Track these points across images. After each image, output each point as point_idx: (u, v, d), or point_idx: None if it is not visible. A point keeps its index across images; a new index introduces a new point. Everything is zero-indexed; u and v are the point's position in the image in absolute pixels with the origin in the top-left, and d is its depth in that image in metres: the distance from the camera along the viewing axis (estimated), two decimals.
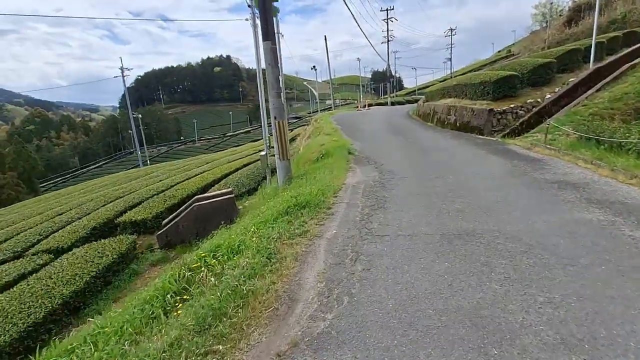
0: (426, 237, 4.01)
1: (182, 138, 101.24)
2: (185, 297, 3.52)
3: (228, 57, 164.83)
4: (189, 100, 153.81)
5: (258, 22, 10.11)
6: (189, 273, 3.80)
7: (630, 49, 15.48)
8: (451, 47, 60.83)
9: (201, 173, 17.02)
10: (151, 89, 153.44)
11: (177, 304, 3.43)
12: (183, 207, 10.68)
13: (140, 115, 45.94)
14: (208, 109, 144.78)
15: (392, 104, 46.44)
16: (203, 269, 3.84)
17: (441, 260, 3.42)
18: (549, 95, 13.67)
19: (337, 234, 4.48)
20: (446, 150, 10.14)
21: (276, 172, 9.80)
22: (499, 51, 76.75)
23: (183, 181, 15.49)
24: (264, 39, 8.49)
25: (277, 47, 15.21)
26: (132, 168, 47.74)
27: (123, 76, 38.89)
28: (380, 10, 49.79)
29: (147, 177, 21.54)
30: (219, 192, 10.93)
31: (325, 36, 41.08)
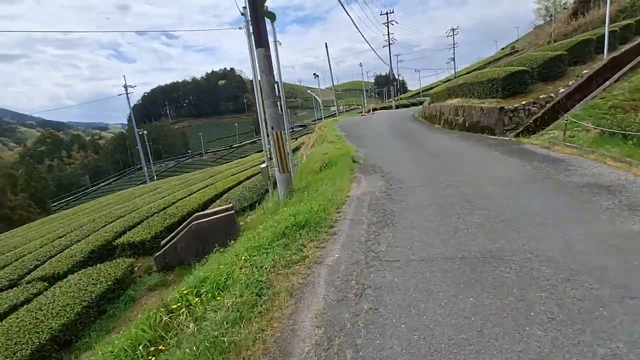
0: (444, 262, 3.39)
1: (189, 151, 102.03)
2: (160, 347, 2.97)
3: (232, 69, 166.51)
4: (195, 114, 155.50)
5: None
6: (168, 316, 3.25)
7: None
8: (454, 47, 60.29)
9: (204, 188, 16.61)
10: (158, 105, 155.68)
11: (150, 358, 2.88)
12: (182, 226, 10.21)
13: (145, 132, 46.14)
14: (214, 121, 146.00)
15: (397, 107, 45.85)
16: (183, 310, 3.29)
17: (465, 294, 2.80)
18: (562, 90, 12.92)
19: (339, 259, 3.89)
20: (456, 153, 9.50)
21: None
22: (502, 48, 75.84)
23: (185, 197, 15.08)
24: (257, 46, 8.03)
25: (275, 55, 14.85)
26: (140, 184, 47.91)
27: (127, 94, 39.12)
28: (380, 14, 49.54)
29: (151, 194, 21.23)
30: (219, 208, 10.44)
31: (326, 43, 40.87)
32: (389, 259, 3.61)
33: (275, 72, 15.15)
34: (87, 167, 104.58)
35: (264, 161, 11.95)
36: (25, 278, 9.79)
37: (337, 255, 4.00)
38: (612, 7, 22.10)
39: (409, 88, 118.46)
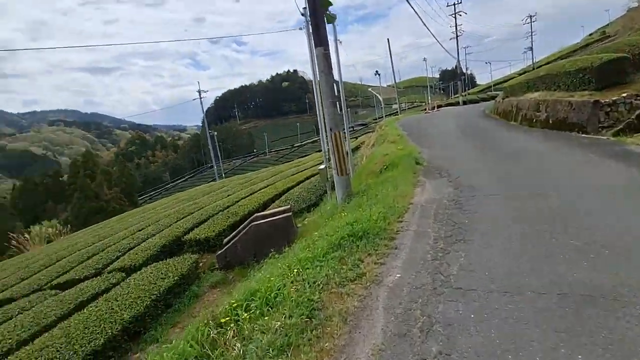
0: (536, 298, 2.72)
1: (254, 151, 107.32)
2: None
3: (295, 71, 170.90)
4: (261, 115, 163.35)
5: None
6: (216, 331, 3.10)
7: None
8: (531, 35, 54.52)
9: (264, 187, 17.01)
10: (228, 108, 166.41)
11: None
12: (242, 226, 10.44)
13: (215, 133, 49.46)
14: (278, 121, 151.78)
15: (465, 102, 42.76)
16: (232, 325, 3.11)
17: (569, 348, 2.16)
18: None
19: (401, 280, 3.42)
20: (541, 155, 8.25)
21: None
22: (590, 34, 66.38)
23: (247, 196, 15.56)
24: (316, 45, 7.79)
25: (336, 54, 14.57)
26: (210, 181, 51.49)
27: (200, 99, 42.28)
28: (447, 5, 46.62)
29: (218, 192, 22.47)
30: (277, 209, 10.48)
31: (388, 39, 39.67)
32: (463, 287, 3.04)
33: (336, 71, 14.88)
34: (168, 165, 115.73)
35: (323, 162, 11.74)
36: (108, 268, 10.83)
37: (398, 275, 3.53)
38: None
39: (477, 82, 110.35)
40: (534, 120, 14.02)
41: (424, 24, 68.04)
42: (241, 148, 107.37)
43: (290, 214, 9.60)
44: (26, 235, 30.01)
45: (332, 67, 8.08)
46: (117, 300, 7.75)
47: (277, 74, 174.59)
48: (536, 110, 14.06)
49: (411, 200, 6.25)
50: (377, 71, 48.09)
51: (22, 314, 9.16)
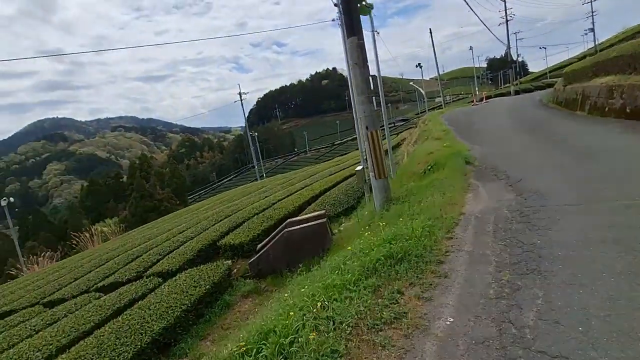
0: None
1: (295, 150, 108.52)
2: None
3: (334, 69, 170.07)
4: (301, 114, 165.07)
5: None
6: None
7: None
8: (592, 15, 48.80)
9: (301, 189, 16.54)
10: (269, 108, 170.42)
11: None
12: (275, 231, 9.97)
13: (256, 134, 50.31)
14: (318, 120, 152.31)
15: (517, 92, 39.30)
16: None
17: None
18: None
19: (455, 328, 2.59)
20: (624, 152, 6.78)
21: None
22: None
23: (284, 198, 15.18)
24: (349, 35, 7.02)
25: (373, 45, 13.63)
26: (253, 181, 52.59)
27: (242, 101, 43.07)
28: None
29: (256, 193, 22.48)
30: (312, 215, 9.87)
31: (430, 29, 37.45)
32: (547, 352, 2.15)
33: (373, 64, 13.91)
34: (214, 165, 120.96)
35: (360, 163, 10.92)
36: (148, 272, 10.93)
37: (450, 320, 2.70)
38: None
39: (530, 70, 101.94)
40: (607, 109, 12.06)
41: (471, 9, 63.79)
42: (282, 147, 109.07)
43: (325, 220, 8.94)
44: (86, 234, 32.48)
45: (367, 59, 7.25)
46: (150, 309, 7.59)
47: (316, 72, 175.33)
48: (609, 97, 12.08)
49: (462, 209, 5.29)
50: (419, 64, 45.31)
51: (67, 317, 9.47)
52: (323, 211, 9.97)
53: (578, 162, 6.65)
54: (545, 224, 4.04)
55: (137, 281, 10.20)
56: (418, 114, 70.33)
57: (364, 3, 9.24)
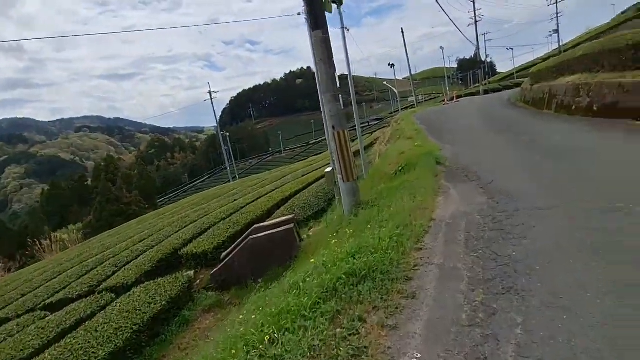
0: None
1: (270, 150, 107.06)
2: None
3: (308, 68, 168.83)
4: (276, 113, 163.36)
5: None
6: None
7: None
8: (557, 16, 51.04)
9: (272, 191, 15.94)
10: (243, 107, 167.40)
11: None
12: (241, 238, 9.36)
13: (228, 134, 48.94)
14: (293, 119, 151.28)
15: (486, 92, 40.43)
16: None
17: None
18: None
19: None
20: (594, 151, 6.71)
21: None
22: (623, 12, 61.51)
23: (253, 201, 14.53)
24: (313, 28, 6.54)
25: (343, 42, 13.22)
26: (226, 182, 51.16)
27: (212, 99, 41.69)
28: None
29: (227, 195, 21.62)
30: (279, 220, 9.33)
31: (402, 29, 37.75)
32: None
33: (344, 62, 13.50)
34: (186, 166, 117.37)
35: (330, 164, 10.48)
36: (101, 286, 10.02)
37: (417, 356, 2.27)
38: None
39: (498, 70, 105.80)
40: (573, 107, 12.25)
41: (442, 9, 65.11)
42: (257, 147, 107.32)
43: (292, 225, 8.43)
44: (45, 242, 30.28)
45: (333, 55, 6.79)
46: (97, 332, 6.81)
47: (290, 71, 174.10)
48: (575, 96, 12.28)
49: (433, 214, 4.94)
50: (391, 63, 45.22)
51: (5, 341, 8.45)
52: (291, 216, 9.45)
53: (548, 163, 6.50)
54: (520, 232, 3.72)
55: (88, 297, 9.30)
56: (391, 113, 71.12)
57: None
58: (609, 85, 10.32)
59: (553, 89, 14.66)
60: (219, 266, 8.67)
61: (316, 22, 6.48)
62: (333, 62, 6.78)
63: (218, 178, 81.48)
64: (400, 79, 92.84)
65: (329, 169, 9.85)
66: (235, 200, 17.08)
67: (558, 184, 5.15)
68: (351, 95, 14.21)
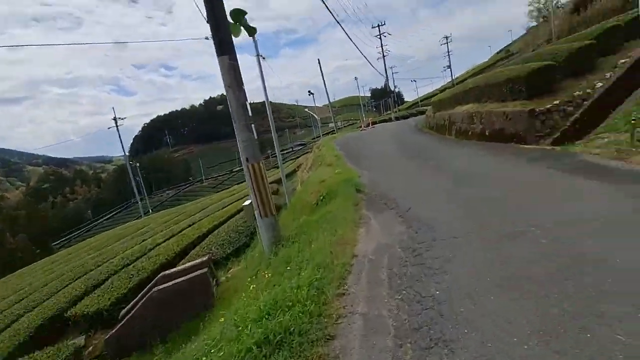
0: None
1: (190, 179, 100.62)
2: None
3: (245, 92, 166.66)
4: (196, 140, 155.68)
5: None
6: None
7: None
8: (449, 55, 59.35)
9: (188, 227, 14.47)
10: (158, 134, 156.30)
11: None
12: (145, 289, 8.00)
13: (137, 164, 44.52)
14: (214, 146, 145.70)
15: (397, 118, 44.20)
16: None
17: None
18: (600, 84, 10.81)
19: None
20: (495, 175, 7.29)
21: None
22: (497, 52, 74.40)
23: (165, 241, 12.92)
24: (219, 54, 6.04)
25: (259, 70, 12.99)
26: (137, 217, 45.86)
27: (117, 127, 37.58)
28: (372, 27, 48.73)
29: (135, 235, 19.11)
30: (192, 264, 8.24)
31: (318, 59, 39.43)
32: None
33: (255, 89, 13.15)
34: (90, 201, 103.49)
35: (249, 196, 9.80)
36: None
37: None
38: None
39: (405, 99, 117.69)
40: (470, 133, 13.70)
41: (354, 43, 70.61)
42: (174, 177, 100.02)
43: (206, 269, 7.45)
44: None
45: (243, 82, 6.36)
46: None
47: (210, 97, 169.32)
48: (470, 123, 13.78)
49: (355, 249, 4.65)
50: (310, 91, 47.11)
51: None
52: (206, 257, 8.41)
53: (457, 186, 6.85)
54: (440, 266, 3.58)
55: None
56: (314, 138, 73.10)
57: (244, 22, 8.45)
58: (496, 114, 11.76)
59: (452, 117, 16.34)
60: (117, 327, 7.18)
61: (221, 46, 6.00)
62: (243, 88, 6.33)
63: (129, 213, 73.10)
64: (320, 106, 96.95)
65: (247, 202, 9.16)
66: (144, 240, 15.06)
67: (467, 209, 5.33)
68: (270, 121, 13.92)
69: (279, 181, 17.12)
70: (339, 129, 52.11)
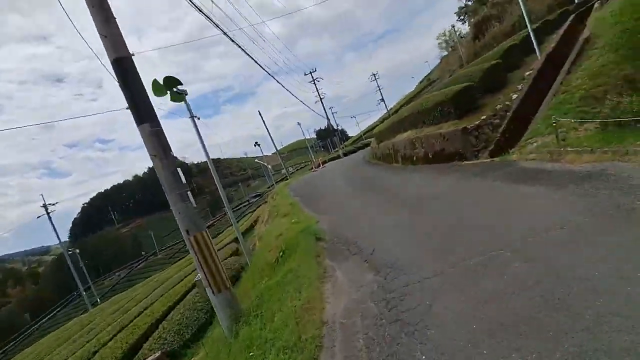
0: None
1: (143, 254, 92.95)
2: None
3: (175, 158, 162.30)
4: (144, 211, 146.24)
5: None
6: None
7: (567, 24, 14.49)
8: (379, 89, 63.84)
9: (140, 314, 12.73)
10: (101, 212, 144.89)
11: None
12: None
13: (77, 250, 40.20)
14: (165, 215, 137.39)
15: (345, 154, 45.38)
16: None
17: None
18: (515, 95, 11.81)
19: None
20: (446, 198, 7.22)
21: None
22: (420, 82, 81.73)
23: (112, 338, 11.12)
24: (138, 123, 5.49)
25: (196, 131, 12.49)
26: (83, 312, 40.40)
27: (48, 214, 34.00)
28: (304, 75, 51.25)
29: (80, 335, 16.48)
30: None
31: (259, 111, 40.17)
32: None
33: (198, 150, 12.51)
34: (25, 302, 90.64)
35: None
36: None
37: None
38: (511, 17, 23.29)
39: (349, 134, 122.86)
40: (414, 158, 14.10)
41: (291, 93, 73.61)
42: (124, 256, 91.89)
43: None
44: None
45: (170, 148, 5.82)
46: None
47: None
48: (413, 148, 14.24)
49: (323, 315, 4.06)
50: (256, 142, 47.18)
51: None
52: (158, 353, 7.17)
53: (416, 217, 6.65)
54: (419, 320, 3.13)
55: None
56: (269, 187, 72.35)
57: (175, 90, 8.04)
58: (434, 136, 12.25)
59: (395, 145, 16.88)
60: None
61: (139, 114, 5.48)
62: (171, 156, 5.76)
63: (74, 307, 64.53)
64: (270, 154, 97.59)
65: (198, 277, 8.20)
66: (88, 341, 12.91)
67: (430, 240, 5.06)
68: (215, 179, 13.26)
69: (237, 240, 16.08)
70: (291, 174, 52.17)
